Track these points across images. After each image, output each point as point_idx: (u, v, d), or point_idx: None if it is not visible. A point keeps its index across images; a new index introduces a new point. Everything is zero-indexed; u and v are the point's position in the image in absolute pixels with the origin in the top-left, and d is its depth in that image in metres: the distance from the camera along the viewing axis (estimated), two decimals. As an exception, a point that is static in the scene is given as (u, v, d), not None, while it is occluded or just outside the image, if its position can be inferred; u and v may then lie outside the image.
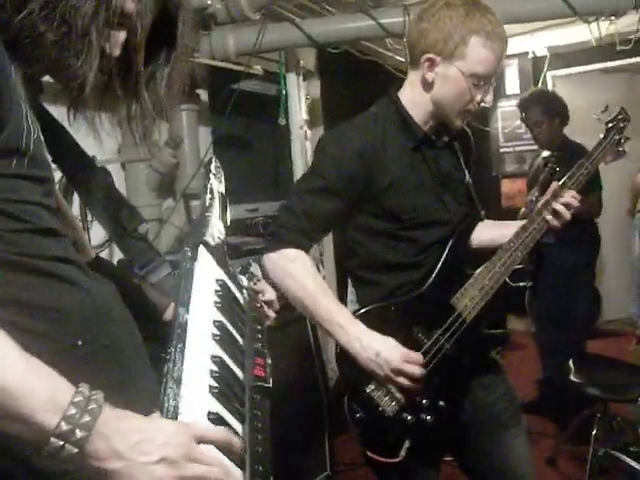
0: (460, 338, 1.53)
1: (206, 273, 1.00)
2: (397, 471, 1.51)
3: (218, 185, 1.19)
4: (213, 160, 1.22)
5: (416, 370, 1.43)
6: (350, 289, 1.69)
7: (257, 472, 0.80)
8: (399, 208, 1.52)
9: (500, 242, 1.60)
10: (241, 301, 1.07)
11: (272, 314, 1.16)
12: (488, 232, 1.70)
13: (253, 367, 0.92)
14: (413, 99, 1.57)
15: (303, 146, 3.43)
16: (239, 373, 0.91)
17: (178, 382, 0.81)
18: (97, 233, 2.22)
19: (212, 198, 1.15)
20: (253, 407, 0.87)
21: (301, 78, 3.41)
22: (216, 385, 0.84)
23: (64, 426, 0.65)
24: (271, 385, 0.90)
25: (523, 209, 3.44)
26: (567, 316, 3.35)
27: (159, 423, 0.74)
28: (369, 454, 1.51)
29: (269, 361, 0.95)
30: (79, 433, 0.66)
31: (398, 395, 1.47)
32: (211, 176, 1.18)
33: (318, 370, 2.79)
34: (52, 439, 0.65)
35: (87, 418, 0.66)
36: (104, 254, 2.44)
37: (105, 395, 0.71)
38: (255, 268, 1.20)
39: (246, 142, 3.61)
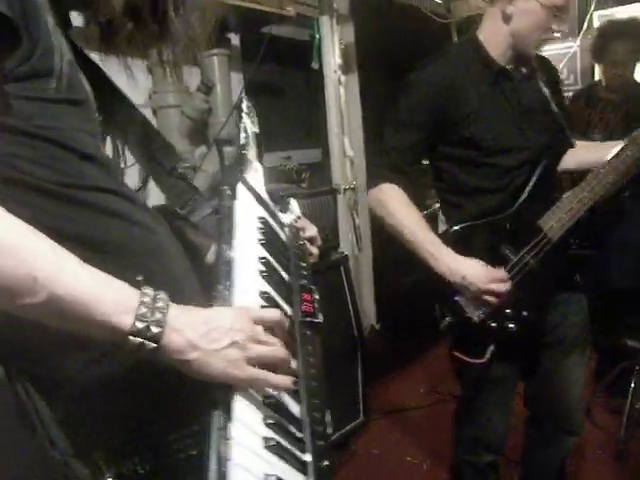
0: (545, 256, 1.66)
1: (247, 211, 0.99)
2: (478, 372, 1.70)
3: (251, 125, 1.17)
4: (244, 100, 1.21)
5: (501, 287, 1.60)
6: (440, 212, 1.87)
7: (314, 405, 0.82)
8: (478, 136, 1.65)
9: (594, 163, 1.69)
10: (283, 238, 1.06)
11: (315, 250, 1.15)
12: (582, 153, 1.79)
13: (301, 304, 0.91)
14: (491, 34, 1.68)
15: (337, 91, 3.34)
16: (287, 309, 0.91)
17: None
18: (131, 178, 2.21)
19: (247, 137, 1.14)
20: (304, 343, 0.87)
21: (335, 21, 3.30)
22: None
23: (138, 324, 0.69)
24: (322, 320, 0.89)
25: None
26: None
27: (221, 311, 0.77)
28: (455, 354, 1.71)
29: (317, 296, 0.93)
30: (154, 329, 0.69)
31: (484, 304, 1.63)
32: (244, 115, 1.17)
33: (352, 317, 2.78)
34: (130, 338, 0.69)
35: (158, 315, 0.70)
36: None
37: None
38: (294, 206, 1.17)
39: (278, 89, 3.54)
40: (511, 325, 1.65)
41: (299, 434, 0.78)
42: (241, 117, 1.15)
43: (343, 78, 3.39)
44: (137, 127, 1.04)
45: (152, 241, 0.86)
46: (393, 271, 3.90)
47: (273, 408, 0.76)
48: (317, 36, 3.09)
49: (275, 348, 0.77)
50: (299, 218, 1.14)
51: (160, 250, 0.87)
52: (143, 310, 0.69)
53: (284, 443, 0.74)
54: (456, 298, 1.66)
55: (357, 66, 3.65)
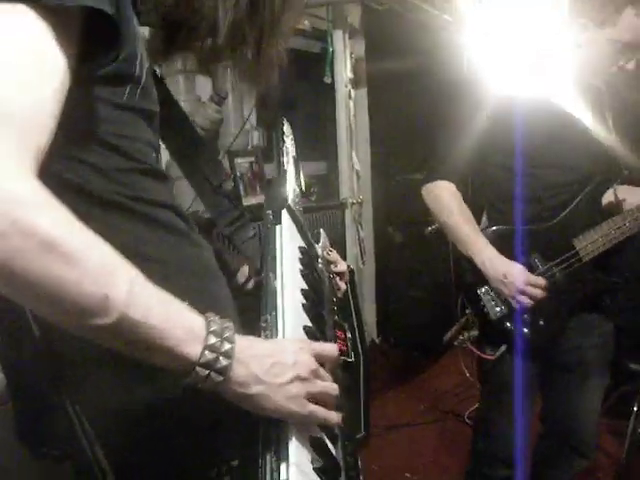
0: (573, 274, 1.71)
1: (290, 239, 0.96)
2: (489, 366, 1.79)
3: (291, 148, 1.15)
4: (284, 122, 1.17)
5: (538, 292, 1.66)
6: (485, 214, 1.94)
7: (348, 449, 0.81)
8: (528, 149, 1.67)
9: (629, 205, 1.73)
10: (318, 271, 1.03)
11: (343, 286, 1.14)
12: (623, 194, 1.80)
13: (334, 341, 0.89)
14: None
15: (347, 105, 3.36)
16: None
17: None
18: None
19: (288, 161, 1.11)
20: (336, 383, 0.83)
21: (347, 35, 3.32)
22: None
23: (208, 355, 0.66)
24: (353, 359, 0.87)
25: None
26: None
27: (284, 344, 0.75)
28: (470, 346, 1.82)
29: (349, 335, 0.92)
30: (223, 361, 0.66)
31: (503, 304, 1.72)
32: (285, 138, 1.14)
33: (357, 331, 2.78)
34: (198, 368, 0.65)
35: (227, 346, 0.67)
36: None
37: None
38: (325, 238, 1.15)
39: (287, 100, 3.55)
40: (525, 330, 1.71)
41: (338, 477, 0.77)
42: (283, 140, 1.12)
43: (353, 92, 3.41)
44: (188, 140, 1.01)
45: (204, 262, 0.84)
46: (395, 285, 3.91)
47: (318, 450, 0.74)
48: (331, 49, 3.10)
49: (331, 384, 0.75)
50: (331, 251, 1.12)
51: (210, 271, 0.84)
52: (213, 340, 0.66)
53: None
54: (478, 292, 1.74)
55: (367, 80, 3.68)
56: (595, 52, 1.63)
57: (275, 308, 0.81)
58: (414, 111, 3.72)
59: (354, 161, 3.46)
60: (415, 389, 3.54)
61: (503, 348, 1.72)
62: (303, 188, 1.13)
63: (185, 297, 0.68)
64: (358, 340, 2.80)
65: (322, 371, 0.75)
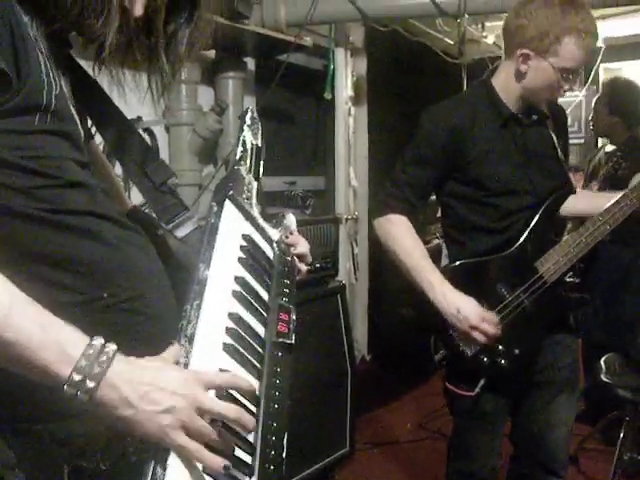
0: (540, 297, 1.72)
1: (232, 228, 0.97)
2: (469, 404, 1.76)
3: (252, 137, 1.14)
4: (249, 111, 1.17)
5: (490, 329, 1.65)
6: (444, 246, 1.94)
7: (270, 427, 0.80)
8: (483, 177, 1.72)
9: (591, 212, 1.75)
10: (270, 255, 1.03)
11: (304, 267, 1.14)
12: (580, 202, 1.84)
13: (277, 323, 0.90)
14: (505, 85, 1.75)
15: (346, 122, 3.39)
16: (260, 329, 0.90)
17: (191, 340, 0.81)
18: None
19: (244, 151, 1.11)
20: (273, 364, 0.85)
21: (349, 54, 3.37)
22: (231, 342, 0.84)
23: (75, 377, 0.70)
24: (293, 342, 0.88)
25: None
26: (615, 316, 3.21)
27: (170, 373, 0.76)
28: (448, 385, 1.80)
29: (294, 317, 0.92)
30: (89, 383, 0.70)
31: (470, 341, 1.69)
32: (245, 127, 1.13)
33: (345, 347, 2.78)
34: (65, 387, 0.70)
35: (97, 369, 0.71)
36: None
37: (130, 345, 0.76)
38: (289, 220, 1.14)
39: (289, 115, 3.59)
40: (502, 361, 1.71)
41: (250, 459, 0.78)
42: (242, 129, 1.12)
43: (353, 110, 3.44)
44: (129, 142, 1.05)
45: (122, 262, 0.87)
46: (387, 303, 3.91)
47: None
48: (332, 67, 3.14)
49: (209, 428, 0.74)
50: (291, 233, 1.11)
51: (130, 270, 0.87)
52: (83, 363, 0.70)
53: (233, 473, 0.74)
54: (451, 332, 1.71)
55: (367, 99, 3.71)
56: (540, 79, 1.67)
57: (201, 297, 0.84)
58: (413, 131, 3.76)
59: (351, 177, 3.48)
60: (403, 407, 3.54)
61: (482, 382, 1.72)
62: (260, 175, 1.12)
63: (113, 292, 0.77)
64: (347, 359, 2.80)
65: (211, 403, 0.75)
